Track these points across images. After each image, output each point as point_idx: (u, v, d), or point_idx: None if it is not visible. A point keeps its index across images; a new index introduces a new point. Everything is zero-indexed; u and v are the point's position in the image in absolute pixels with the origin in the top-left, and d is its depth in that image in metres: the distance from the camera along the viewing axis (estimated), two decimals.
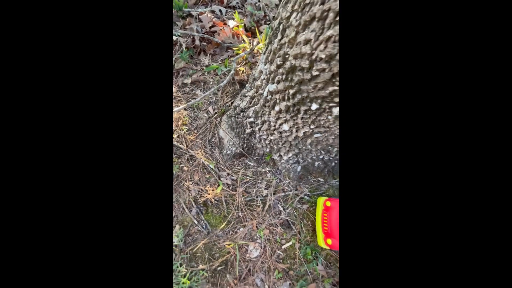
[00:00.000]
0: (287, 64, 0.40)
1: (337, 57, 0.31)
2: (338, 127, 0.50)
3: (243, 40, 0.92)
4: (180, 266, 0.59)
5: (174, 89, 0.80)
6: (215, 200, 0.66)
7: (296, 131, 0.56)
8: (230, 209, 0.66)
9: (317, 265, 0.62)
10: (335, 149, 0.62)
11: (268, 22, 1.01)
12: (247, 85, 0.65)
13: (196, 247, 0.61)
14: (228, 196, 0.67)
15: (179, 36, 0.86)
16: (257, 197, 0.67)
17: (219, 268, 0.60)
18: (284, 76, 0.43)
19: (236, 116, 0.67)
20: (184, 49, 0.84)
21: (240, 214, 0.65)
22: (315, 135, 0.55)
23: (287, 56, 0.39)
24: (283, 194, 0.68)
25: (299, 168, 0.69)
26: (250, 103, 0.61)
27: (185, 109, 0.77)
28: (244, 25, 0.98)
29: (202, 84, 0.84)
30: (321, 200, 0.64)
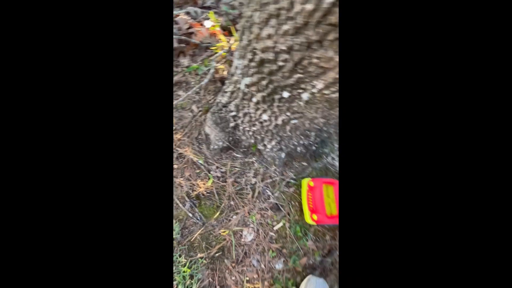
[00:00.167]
0: (257, 58, 0.44)
1: (296, 47, 0.35)
2: (310, 112, 0.55)
3: (220, 39, 0.95)
4: (180, 257, 0.63)
5: None
6: (207, 192, 0.70)
7: (275, 119, 0.60)
8: (222, 199, 0.70)
9: (307, 240, 0.68)
10: (313, 133, 0.67)
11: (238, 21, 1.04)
12: (226, 81, 0.69)
13: (193, 237, 0.65)
14: (219, 188, 0.71)
15: None
16: (246, 185, 0.72)
17: (217, 254, 0.64)
18: (256, 69, 0.47)
19: (219, 111, 0.71)
20: None
21: (232, 203, 0.70)
22: (292, 121, 0.60)
23: (255, 50, 0.43)
24: (271, 180, 0.73)
25: (283, 155, 0.74)
26: (231, 98, 0.65)
27: None
28: (221, 24, 1.01)
29: (184, 84, 0.86)
30: (305, 181, 0.70)
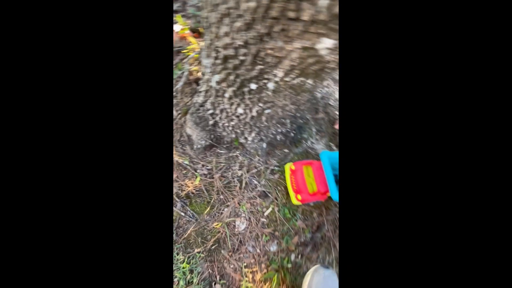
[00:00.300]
0: (220, 55, 0.47)
1: (250, 41, 0.39)
2: (279, 100, 0.58)
3: (191, 41, 0.97)
4: (177, 255, 0.66)
5: None
6: (196, 190, 0.73)
7: (250, 111, 0.64)
8: (211, 195, 0.73)
9: (296, 220, 0.73)
10: (288, 120, 0.72)
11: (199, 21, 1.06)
12: (200, 81, 0.71)
13: (187, 234, 0.68)
14: (207, 184, 0.74)
15: None
16: (233, 178, 0.75)
17: (213, 247, 0.68)
18: (222, 66, 0.50)
19: (197, 111, 0.73)
20: None
21: (221, 196, 0.73)
22: (266, 111, 0.64)
23: (217, 48, 0.46)
24: (256, 170, 0.77)
25: (264, 145, 0.78)
26: (206, 97, 0.67)
27: None
28: (190, 27, 1.02)
29: None
30: (287, 166, 0.74)
